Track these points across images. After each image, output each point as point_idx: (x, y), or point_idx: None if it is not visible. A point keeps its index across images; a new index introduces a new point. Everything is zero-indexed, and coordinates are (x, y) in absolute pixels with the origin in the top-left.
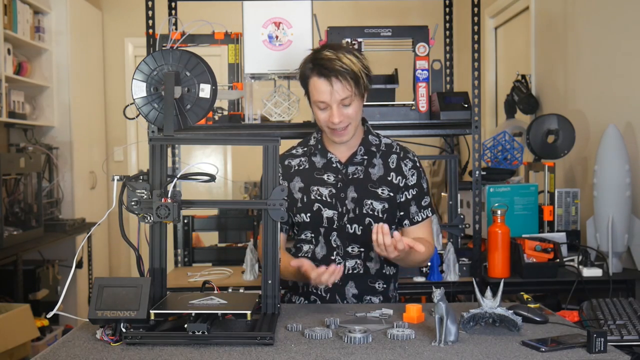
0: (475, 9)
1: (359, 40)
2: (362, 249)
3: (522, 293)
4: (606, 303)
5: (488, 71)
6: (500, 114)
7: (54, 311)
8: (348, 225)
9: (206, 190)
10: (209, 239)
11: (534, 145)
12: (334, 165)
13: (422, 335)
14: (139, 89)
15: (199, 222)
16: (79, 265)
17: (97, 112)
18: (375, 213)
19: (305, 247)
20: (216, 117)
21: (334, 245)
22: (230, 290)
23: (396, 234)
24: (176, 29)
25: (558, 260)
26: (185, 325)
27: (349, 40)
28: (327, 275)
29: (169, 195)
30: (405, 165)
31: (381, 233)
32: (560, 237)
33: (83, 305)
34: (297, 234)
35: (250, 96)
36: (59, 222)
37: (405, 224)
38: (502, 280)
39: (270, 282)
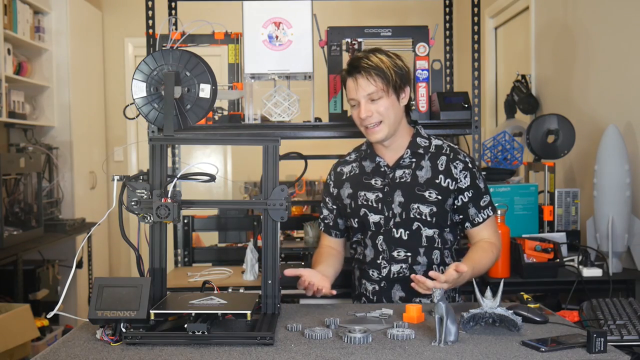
0: (475, 9)
1: (359, 40)
2: (408, 254)
3: (522, 293)
4: (606, 303)
5: (488, 71)
6: (500, 114)
7: (54, 311)
8: (394, 230)
9: (206, 190)
10: (209, 239)
11: (534, 145)
12: (382, 169)
13: (422, 335)
14: (139, 89)
15: (199, 222)
16: (79, 265)
17: (97, 112)
18: (423, 217)
19: (359, 249)
20: (216, 117)
21: (380, 249)
22: (230, 290)
23: (432, 273)
24: (176, 29)
25: (558, 260)
26: (185, 325)
27: (349, 40)
28: (309, 292)
29: (169, 195)
30: (456, 167)
31: (421, 282)
32: (560, 237)
33: (83, 305)
34: (351, 236)
35: (250, 96)
36: (59, 222)
37: (467, 227)
38: (502, 280)
39: (270, 282)
